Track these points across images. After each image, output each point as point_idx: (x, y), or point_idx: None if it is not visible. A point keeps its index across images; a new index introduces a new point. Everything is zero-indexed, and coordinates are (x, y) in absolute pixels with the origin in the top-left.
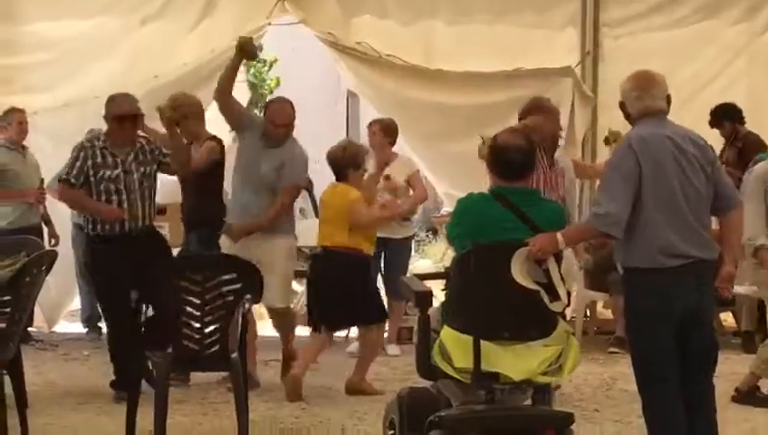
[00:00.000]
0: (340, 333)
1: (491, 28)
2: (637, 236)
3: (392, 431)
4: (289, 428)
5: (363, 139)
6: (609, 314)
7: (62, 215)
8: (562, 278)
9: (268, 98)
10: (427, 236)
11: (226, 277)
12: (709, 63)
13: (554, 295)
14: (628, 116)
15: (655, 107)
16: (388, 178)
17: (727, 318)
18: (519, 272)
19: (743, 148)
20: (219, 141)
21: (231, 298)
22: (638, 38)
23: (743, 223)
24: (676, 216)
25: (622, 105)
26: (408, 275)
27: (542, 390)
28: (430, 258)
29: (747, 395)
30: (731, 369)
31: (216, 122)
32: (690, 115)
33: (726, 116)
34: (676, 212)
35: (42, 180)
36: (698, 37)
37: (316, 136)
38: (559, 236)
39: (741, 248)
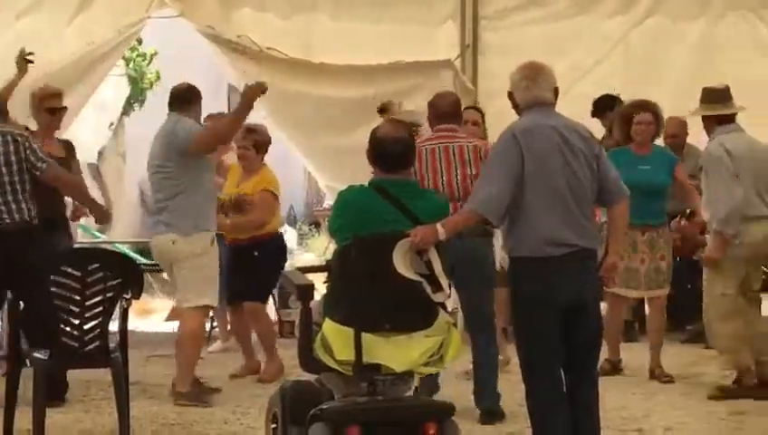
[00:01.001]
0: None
1: (372, 22)
2: (522, 226)
3: (275, 425)
4: (171, 423)
5: None
6: None
7: None
8: (444, 269)
9: (148, 92)
10: (310, 229)
11: (107, 272)
12: (586, 55)
13: (436, 286)
14: (515, 106)
15: (542, 98)
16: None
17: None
18: (401, 263)
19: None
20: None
21: (111, 294)
22: (517, 31)
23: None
24: (560, 206)
25: (510, 95)
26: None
27: (427, 382)
28: (313, 252)
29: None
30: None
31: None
32: (568, 106)
33: (608, 107)
34: (560, 202)
35: None
36: (575, 29)
37: None
38: (439, 226)
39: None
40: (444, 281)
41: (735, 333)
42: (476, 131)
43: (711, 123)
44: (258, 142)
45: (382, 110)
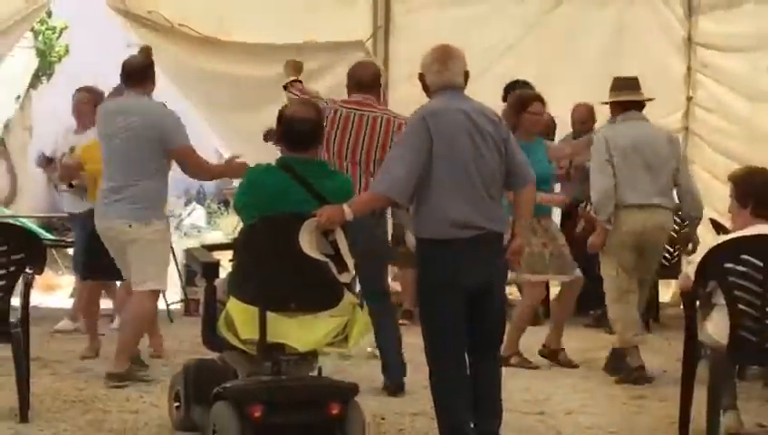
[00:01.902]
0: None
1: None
2: (429, 208)
3: (178, 403)
4: (72, 400)
5: None
6: None
7: None
8: (349, 250)
9: (56, 66)
10: (219, 207)
11: (8, 247)
12: (499, 40)
13: (342, 267)
14: (426, 88)
15: (453, 81)
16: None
17: (513, 292)
18: (307, 243)
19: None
20: None
21: (13, 269)
22: (430, 14)
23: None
24: (468, 188)
25: (421, 77)
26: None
27: None
28: (222, 230)
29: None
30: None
31: None
32: (480, 90)
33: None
34: (467, 185)
35: None
36: (489, 13)
37: None
38: (345, 207)
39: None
40: (349, 261)
41: (620, 315)
42: None
43: (617, 111)
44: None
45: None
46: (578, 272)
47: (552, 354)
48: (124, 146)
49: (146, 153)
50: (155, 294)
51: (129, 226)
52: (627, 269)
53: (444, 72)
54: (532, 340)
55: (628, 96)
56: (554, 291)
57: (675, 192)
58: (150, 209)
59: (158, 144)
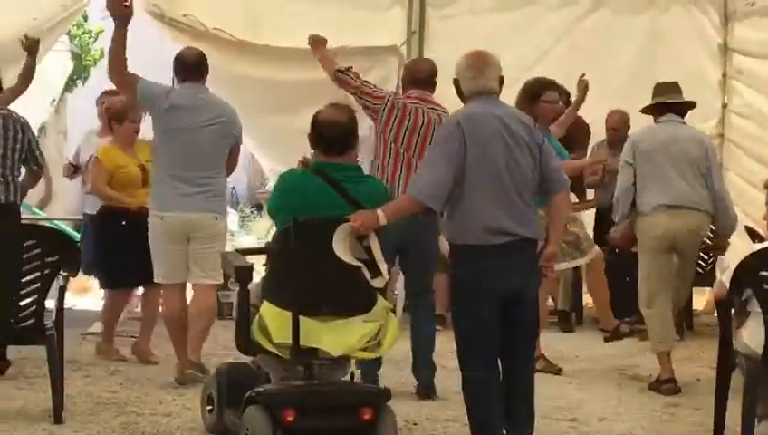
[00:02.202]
0: None
1: (319, 5)
2: (462, 214)
3: (210, 407)
4: (105, 402)
5: None
6: None
7: None
8: (383, 256)
9: (92, 69)
10: (252, 212)
11: (44, 249)
12: (531, 48)
13: (376, 272)
14: (460, 93)
15: (487, 87)
16: None
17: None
18: (341, 248)
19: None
20: None
21: (48, 271)
22: (463, 20)
23: (567, 205)
24: (501, 194)
25: (456, 82)
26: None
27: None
28: (255, 234)
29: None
30: (546, 347)
31: None
32: (514, 95)
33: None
34: (501, 191)
35: None
36: (523, 19)
37: None
38: (379, 211)
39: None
40: (383, 266)
41: (649, 321)
42: None
43: (657, 116)
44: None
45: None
46: (595, 249)
47: (615, 332)
48: (209, 139)
49: (223, 148)
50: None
51: (216, 218)
52: (660, 273)
53: (479, 77)
54: (565, 347)
55: (662, 98)
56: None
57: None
58: (225, 203)
59: (233, 140)
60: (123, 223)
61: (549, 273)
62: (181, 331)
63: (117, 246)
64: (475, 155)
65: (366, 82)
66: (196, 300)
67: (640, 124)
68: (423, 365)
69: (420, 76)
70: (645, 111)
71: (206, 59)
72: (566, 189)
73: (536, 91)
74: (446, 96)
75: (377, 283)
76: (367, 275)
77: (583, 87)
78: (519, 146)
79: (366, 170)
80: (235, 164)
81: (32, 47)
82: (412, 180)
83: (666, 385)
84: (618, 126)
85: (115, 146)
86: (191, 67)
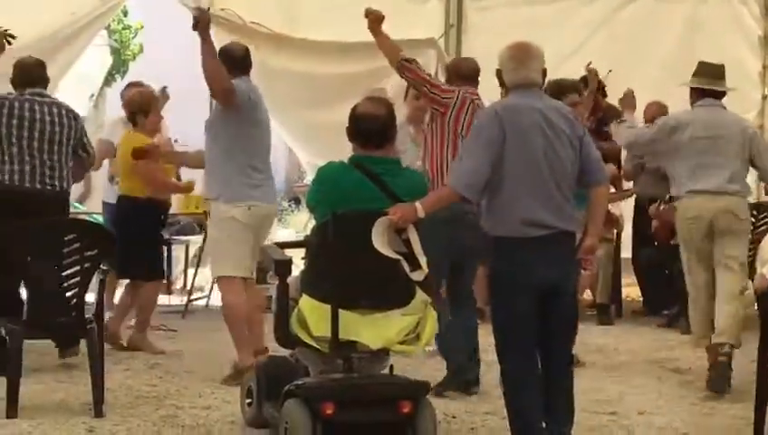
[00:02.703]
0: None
1: None
2: (501, 205)
3: (249, 400)
4: (144, 396)
5: None
6: None
7: None
8: (422, 248)
9: (130, 64)
10: (290, 205)
11: (84, 243)
12: (569, 39)
13: (415, 265)
14: (502, 84)
15: (529, 79)
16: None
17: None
18: (380, 242)
19: (602, 118)
20: None
21: (88, 265)
22: (502, 12)
23: (607, 198)
24: (540, 186)
25: (498, 73)
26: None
27: None
28: (293, 228)
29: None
30: (585, 340)
31: None
32: None
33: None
34: (540, 183)
35: None
36: (560, 11)
37: (178, 104)
38: (418, 204)
39: (603, 223)
40: (422, 259)
41: (691, 314)
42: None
43: (695, 96)
44: None
45: None
46: None
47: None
48: (268, 131)
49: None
50: None
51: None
52: (700, 261)
53: (521, 69)
54: (605, 340)
55: (707, 84)
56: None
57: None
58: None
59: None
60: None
61: (588, 266)
62: (245, 325)
63: (144, 237)
64: (513, 146)
65: (430, 74)
66: (255, 293)
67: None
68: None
69: (467, 73)
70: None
71: (248, 55)
72: (606, 182)
73: (556, 97)
74: (483, 89)
75: (416, 276)
76: (406, 268)
77: (593, 75)
78: (559, 138)
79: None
80: None
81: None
82: (450, 170)
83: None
84: (657, 116)
85: (141, 134)
86: (233, 61)
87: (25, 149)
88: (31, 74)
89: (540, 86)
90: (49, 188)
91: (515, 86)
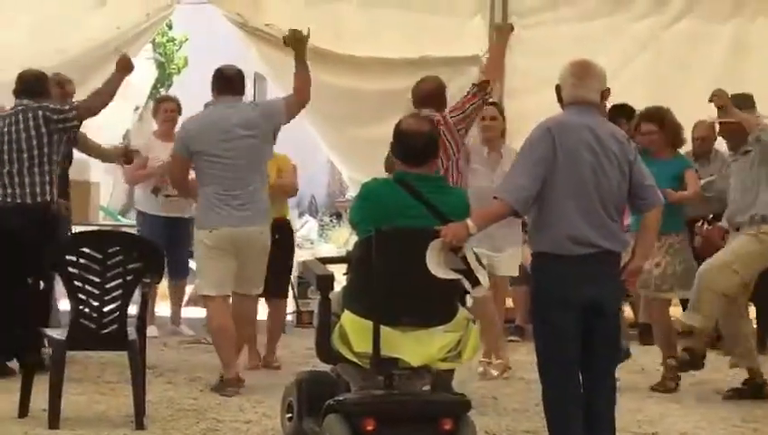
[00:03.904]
0: None
1: (400, 14)
2: (547, 222)
3: (290, 415)
4: (186, 409)
5: None
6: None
7: None
8: (480, 263)
9: (175, 77)
10: (331, 220)
11: (127, 256)
12: (616, 57)
13: (474, 281)
14: (560, 100)
15: (585, 97)
16: None
17: (624, 310)
18: (435, 264)
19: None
20: None
21: (131, 277)
22: (547, 29)
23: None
24: (586, 205)
25: (558, 88)
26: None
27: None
28: (333, 243)
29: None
30: (628, 360)
31: None
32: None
33: (624, 114)
34: (586, 201)
35: None
36: (606, 30)
37: None
38: (469, 221)
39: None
40: (481, 274)
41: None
42: (494, 126)
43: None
44: None
45: None
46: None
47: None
48: (238, 160)
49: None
50: None
51: (261, 232)
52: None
53: (578, 86)
54: (646, 360)
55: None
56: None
57: None
58: (268, 215)
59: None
60: None
61: (631, 287)
62: (225, 338)
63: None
64: (563, 162)
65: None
66: (247, 308)
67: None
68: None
69: (421, 95)
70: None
71: (240, 76)
72: (658, 207)
73: (638, 123)
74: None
75: (477, 292)
76: (467, 285)
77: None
78: (608, 158)
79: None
80: None
81: (122, 64)
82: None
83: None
84: (704, 135)
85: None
86: (226, 82)
87: None
88: (21, 85)
89: (596, 105)
90: (9, 200)
91: (571, 102)
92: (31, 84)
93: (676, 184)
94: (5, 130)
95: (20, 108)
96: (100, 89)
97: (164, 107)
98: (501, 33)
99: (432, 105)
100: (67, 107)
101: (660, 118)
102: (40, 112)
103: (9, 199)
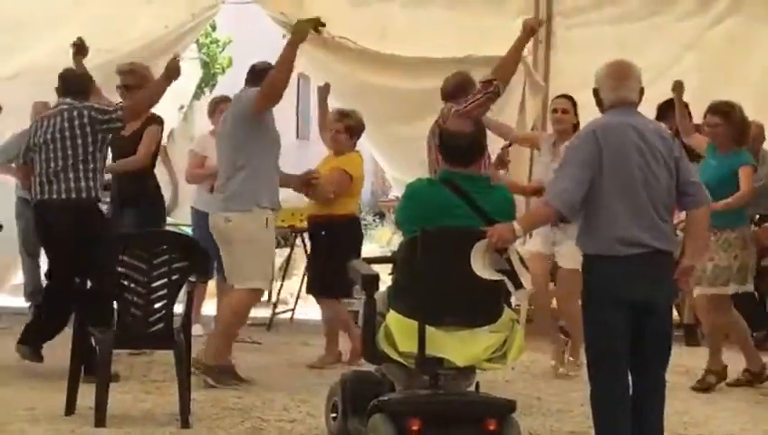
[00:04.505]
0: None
1: (445, 14)
2: (596, 223)
3: (335, 414)
4: (231, 408)
5: (313, 120)
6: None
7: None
8: (524, 265)
9: (219, 77)
10: (374, 219)
11: (173, 255)
12: (659, 57)
13: (518, 283)
14: (599, 103)
15: (627, 98)
16: None
17: None
18: (480, 266)
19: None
20: (160, 122)
21: (177, 276)
22: (591, 29)
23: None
24: (635, 205)
25: (596, 92)
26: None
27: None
28: (377, 242)
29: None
30: (672, 361)
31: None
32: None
33: (672, 110)
34: (635, 201)
35: None
36: (649, 30)
37: None
38: (515, 224)
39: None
40: (525, 277)
41: None
42: (565, 119)
43: None
44: (350, 127)
45: None
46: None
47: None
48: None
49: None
50: (254, 292)
51: (226, 220)
52: None
53: (618, 88)
54: (691, 361)
55: None
56: None
57: None
58: (246, 201)
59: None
60: None
61: (684, 287)
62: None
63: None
64: (609, 164)
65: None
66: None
67: None
68: None
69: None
70: None
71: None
72: (706, 205)
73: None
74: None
75: (520, 295)
76: (510, 287)
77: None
78: (655, 158)
79: None
80: None
81: (172, 68)
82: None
83: None
84: (754, 137)
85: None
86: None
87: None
88: (64, 85)
89: (636, 105)
90: (54, 196)
91: (612, 104)
92: (73, 84)
93: (733, 179)
94: (51, 129)
95: (64, 107)
96: (146, 91)
97: (221, 108)
98: (525, 30)
99: (457, 99)
100: (112, 108)
101: (725, 111)
102: (85, 112)
103: (55, 196)
